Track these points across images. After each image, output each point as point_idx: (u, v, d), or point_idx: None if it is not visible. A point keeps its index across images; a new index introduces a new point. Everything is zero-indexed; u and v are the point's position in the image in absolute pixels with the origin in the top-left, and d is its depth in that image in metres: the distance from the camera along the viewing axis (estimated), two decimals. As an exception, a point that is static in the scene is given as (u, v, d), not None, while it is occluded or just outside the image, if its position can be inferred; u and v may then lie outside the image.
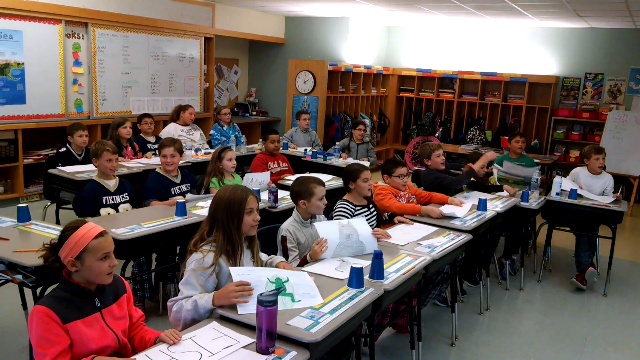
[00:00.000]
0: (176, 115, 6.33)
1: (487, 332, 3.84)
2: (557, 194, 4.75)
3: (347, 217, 3.41)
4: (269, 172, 4.79)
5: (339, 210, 3.47)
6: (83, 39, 6.58)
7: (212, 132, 6.67)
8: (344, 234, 2.85)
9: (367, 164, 5.69)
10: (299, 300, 2.25)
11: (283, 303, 2.18)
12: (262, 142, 5.66)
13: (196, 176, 4.55)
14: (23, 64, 5.97)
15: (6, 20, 5.76)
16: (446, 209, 3.83)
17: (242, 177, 4.68)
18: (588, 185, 4.92)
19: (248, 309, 2.12)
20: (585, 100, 8.69)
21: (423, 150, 4.62)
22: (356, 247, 2.88)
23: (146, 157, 5.41)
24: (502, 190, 4.80)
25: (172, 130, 6.19)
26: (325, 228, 2.85)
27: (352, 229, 2.90)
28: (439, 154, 4.56)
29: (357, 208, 3.51)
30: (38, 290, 2.68)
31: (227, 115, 6.76)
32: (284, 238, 2.94)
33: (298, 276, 2.36)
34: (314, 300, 2.26)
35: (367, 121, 9.27)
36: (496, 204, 4.28)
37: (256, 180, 4.48)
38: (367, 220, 3.48)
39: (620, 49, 8.38)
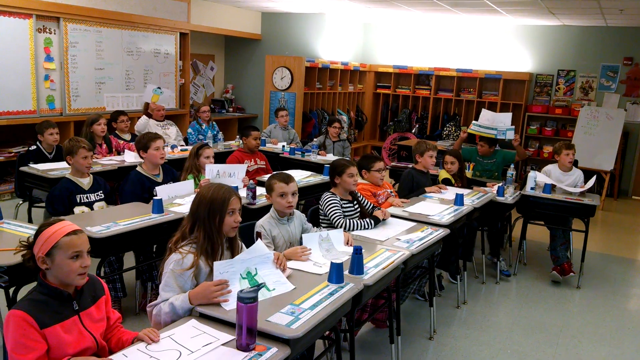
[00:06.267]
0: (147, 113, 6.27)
1: (465, 326, 3.88)
2: (531, 188, 4.82)
3: (337, 207, 3.43)
4: (245, 165, 4.70)
5: (329, 201, 3.46)
6: (55, 34, 6.44)
7: (189, 130, 6.59)
8: (323, 249, 2.87)
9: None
10: (274, 289, 2.30)
11: (261, 294, 2.20)
12: (241, 138, 5.59)
13: (177, 172, 4.43)
14: (-8, 59, 5.83)
15: (-26, 14, 5.62)
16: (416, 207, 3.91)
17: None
18: (560, 182, 5.01)
19: (231, 305, 2.11)
20: (558, 97, 8.85)
21: (419, 146, 4.65)
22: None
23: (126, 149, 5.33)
24: (482, 185, 4.87)
25: (145, 123, 6.09)
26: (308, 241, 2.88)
27: (330, 244, 2.91)
28: (432, 155, 4.61)
29: (342, 202, 3.52)
30: (11, 291, 2.61)
31: (207, 113, 6.68)
32: (258, 234, 2.93)
33: (264, 267, 2.38)
34: (286, 287, 2.33)
35: (345, 118, 9.29)
36: (472, 199, 4.33)
37: (225, 172, 4.23)
38: (351, 215, 3.51)
39: (591, 46, 8.55)
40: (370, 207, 3.70)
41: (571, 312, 4.22)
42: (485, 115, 5.79)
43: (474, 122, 5.92)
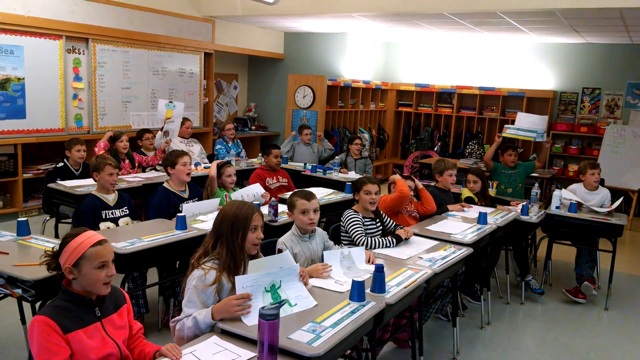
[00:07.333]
0: None
1: (488, 347, 3.81)
2: (556, 207, 4.75)
3: (359, 225, 3.41)
4: (257, 184, 4.74)
5: (351, 219, 3.45)
6: (83, 54, 6.62)
7: (218, 147, 6.68)
8: (344, 266, 2.87)
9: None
10: (296, 304, 2.31)
11: (283, 310, 2.19)
12: (262, 156, 5.65)
13: (202, 189, 4.49)
14: (23, 79, 6.00)
15: (7, 35, 5.80)
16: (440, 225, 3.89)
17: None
18: (586, 201, 4.93)
19: (253, 320, 2.12)
20: (583, 115, 8.74)
21: (438, 165, 4.64)
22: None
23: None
24: (506, 204, 4.82)
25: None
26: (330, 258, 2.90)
27: (351, 262, 2.92)
28: (451, 174, 4.59)
29: (365, 220, 3.51)
30: (37, 305, 2.65)
31: (231, 131, 6.78)
32: (279, 251, 2.94)
33: (289, 279, 2.38)
34: (309, 302, 2.33)
35: (366, 136, 9.30)
36: (496, 218, 4.28)
37: (247, 194, 4.37)
38: (373, 233, 3.50)
39: (616, 64, 8.45)
40: (393, 225, 3.68)
41: (599, 334, 4.12)
42: (525, 119, 5.79)
43: (508, 126, 5.90)
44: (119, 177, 4.79)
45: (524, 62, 9.10)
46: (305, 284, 2.47)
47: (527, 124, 5.71)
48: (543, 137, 5.70)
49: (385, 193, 4.05)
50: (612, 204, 4.89)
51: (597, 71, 8.59)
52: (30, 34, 6.01)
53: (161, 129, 6.32)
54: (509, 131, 5.82)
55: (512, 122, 6.24)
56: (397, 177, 4.07)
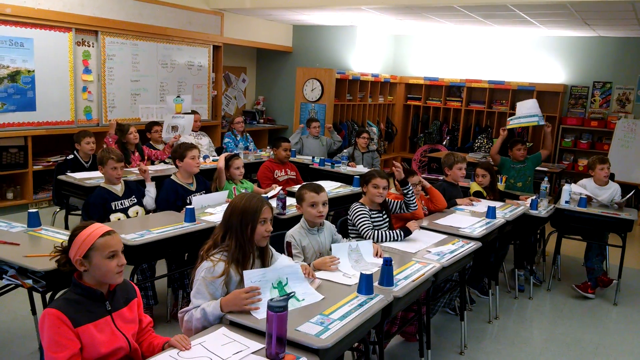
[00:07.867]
0: None
1: (496, 341, 3.81)
2: (566, 202, 4.72)
3: (366, 218, 3.41)
4: (279, 188, 4.73)
5: (358, 212, 3.44)
6: (93, 46, 6.64)
7: (226, 140, 6.68)
8: (352, 259, 2.87)
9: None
10: (303, 299, 2.31)
11: (291, 303, 2.20)
12: (271, 149, 5.66)
13: (209, 182, 4.51)
14: (33, 71, 6.02)
15: (17, 28, 5.83)
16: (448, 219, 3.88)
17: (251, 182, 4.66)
18: (596, 196, 4.89)
19: (262, 313, 2.13)
20: (593, 109, 8.67)
21: (447, 159, 4.63)
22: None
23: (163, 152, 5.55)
24: (515, 198, 4.80)
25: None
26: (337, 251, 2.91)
27: (359, 255, 2.93)
28: (461, 167, 4.58)
29: (372, 212, 3.51)
30: (48, 296, 2.68)
31: (241, 124, 6.78)
32: (288, 244, 2.95)
33: (295, 277, 2.39)
34: (315, 297, 2.34)
35: (375, 129, 9.28)
36: (505, 212, 4.26)
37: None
38: (380, 226, 3.50)
39: (628, 58, 8.36)
40: (398, 206, 3.69)
41: (608, 330, 4.10)
42: (522, 106, 5.80)
43: (510, 118, 5.92)
44: (128, 169, 4.83)
45: (534, 55, 9.02)
46: (313, 277, 2.47)
47: (525, 110, 5.72)
48: (542, 120, 5.72)
49: (392, 189, 4.03)
50: (622, 198, 4.85)
51: (608, 65, 8.51)
52: (40, 26, 6.03)
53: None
54: (512, 122, 5.83)
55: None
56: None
